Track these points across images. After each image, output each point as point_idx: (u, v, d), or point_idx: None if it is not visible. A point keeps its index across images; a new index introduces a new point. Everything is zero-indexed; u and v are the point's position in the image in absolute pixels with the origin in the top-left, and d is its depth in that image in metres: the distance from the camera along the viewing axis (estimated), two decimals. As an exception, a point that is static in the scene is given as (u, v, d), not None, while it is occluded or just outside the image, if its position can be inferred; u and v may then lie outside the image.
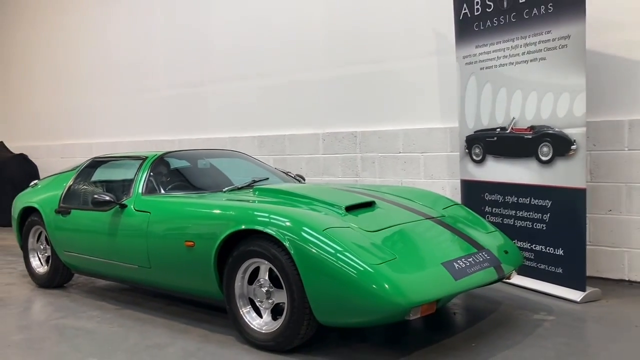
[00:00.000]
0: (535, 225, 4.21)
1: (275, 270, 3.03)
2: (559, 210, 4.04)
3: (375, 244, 2.95)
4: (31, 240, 4.91)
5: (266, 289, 3.15)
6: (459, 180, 4.89)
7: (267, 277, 3.15)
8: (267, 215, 3.10)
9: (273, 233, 2.98)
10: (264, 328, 3.14)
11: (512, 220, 4.39)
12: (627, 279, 4.34)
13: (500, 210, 4.49)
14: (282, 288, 3.03)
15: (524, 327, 3.37)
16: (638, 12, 4.23)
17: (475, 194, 4.69)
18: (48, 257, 4.74)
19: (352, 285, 2.72)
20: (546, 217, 4.12)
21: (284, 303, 3.02)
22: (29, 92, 9.95)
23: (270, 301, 3.15)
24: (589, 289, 3.90)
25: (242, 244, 3.16)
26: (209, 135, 7.14)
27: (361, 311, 2.74)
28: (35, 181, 5.24)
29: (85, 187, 4.53)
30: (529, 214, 4.25)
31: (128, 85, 8.17)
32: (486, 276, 3.14)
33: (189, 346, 3.22)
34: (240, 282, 3.22)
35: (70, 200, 4.47)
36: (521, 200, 4.31)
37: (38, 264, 4.88)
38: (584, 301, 3.83)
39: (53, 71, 9.41)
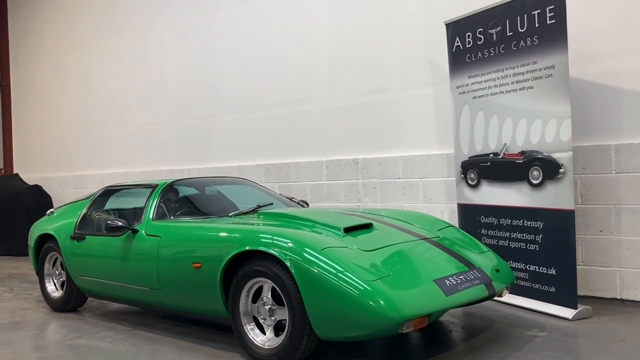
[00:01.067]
0: (529, 246, 4.38)
1: (277, 288, 3.22)
2: (550, 232, 4.21)
3: (371, 262, 3.14)
4: (47, 266, 5.13)
5: (269, 306, 3.34)
6: (456, 204, 5.08)
7: (269, 296, 3.34)
8: (270, 236, 3.31)
9: (276, 253, 3.18)
10: (267, 344, 3.32)
11: (507, 241, 4.56)
12: (619, 297, 4.49)
13: (495, 233, 4.67)
14: (284, 306, 3.22)
15: (516, 342, 3.52)
16: (621, 43, 4.47)
17: (471, 217, 4.87)
18: (63, 282, 4.96)
19: (349, 301, 2.91)
20: (538, 238, 4.30)
21: (285, 320, 3.20)
22: (43, 125, 10.31)
23: (272, 318, 3.34)
24: (581, 307, 4.05)
25: (246, 264, 3.36)
26: (217, 165, 7.40)
27: (357, 325, 2.92)
28: (51, 209, 5.49)
29: (98, 214, 4.76)
30: (522, 236, 4.42)
31: (139, 117, 8.49)
32: (477, 293, 3.31)
33: (196, 362, 3.41)
34: (244, 300, 3.41)
35: (84, 227, 4.70)
36: (515, 222, 4.49)
37: (53, 289, 5.09)
38: (575, 318, 3.98)
39: (66, 105, 9.77)
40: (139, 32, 8.45)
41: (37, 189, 9.52)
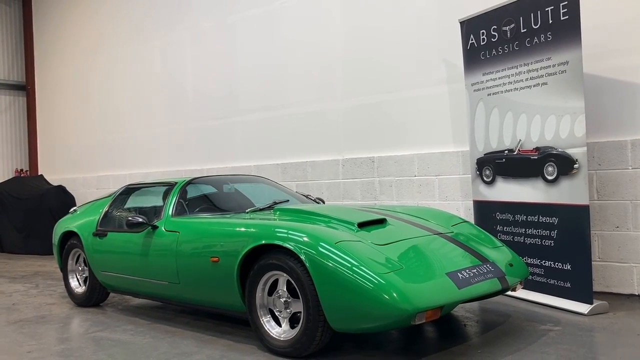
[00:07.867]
0: (544, 242, 4.39)
1: (292, 281, 3.29)
2: (565, 227, 4.22)
3: (384, 256, 3.19)
4: (70, 262, 5.27)
5: (284, 299, 3.41)
6: (472, 201, 5.10)
7: (285, 289, 3.41)
8: (285, 231, 3.39)
9: (291, 247, 3.25)
10: (282, 336, 3.39)
11: (522, 237, 4.57)
12: (636, 293, 4.47)
13: (510, 229, 4.68)
14: (299, 298, 3.28)
15: (530, 336, 3.54)
16: (636, 39, 4.45)
17: (487, 213, 4.89)
18: (86, 278, 5.09)
19: (362, 293, 2.96)
20: (553, 233, 4.30)
21: (300, 312, 3.27)
22: (66, 127, 10.55)
23: (288, 311, 3.41)
24: (597, 302, 4.05)
25: (262, 258, 3.44)
26: (235, 164, 7.51)
27: (371, 317, 2.97)
28: (74, 208, 5.64)
29: (120, 211, 4.89)
30: (538, 231, 4.43)
31: (159, 119, 8.65)
32: (490, 286, 3.34)
33: (214, 354, 3.49)
34: (260, 293, 3.49)
35: (106, 224, 4.83)
36: (530, 218, 4.50)
37: (76, 285, 5.23)
38: (591, 314, 3.98)
39: (89, 108, 9.99)
40: (159, 35, 8.62)
41: (61, 190, 9.73)
